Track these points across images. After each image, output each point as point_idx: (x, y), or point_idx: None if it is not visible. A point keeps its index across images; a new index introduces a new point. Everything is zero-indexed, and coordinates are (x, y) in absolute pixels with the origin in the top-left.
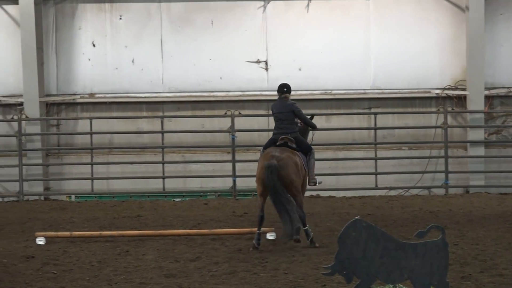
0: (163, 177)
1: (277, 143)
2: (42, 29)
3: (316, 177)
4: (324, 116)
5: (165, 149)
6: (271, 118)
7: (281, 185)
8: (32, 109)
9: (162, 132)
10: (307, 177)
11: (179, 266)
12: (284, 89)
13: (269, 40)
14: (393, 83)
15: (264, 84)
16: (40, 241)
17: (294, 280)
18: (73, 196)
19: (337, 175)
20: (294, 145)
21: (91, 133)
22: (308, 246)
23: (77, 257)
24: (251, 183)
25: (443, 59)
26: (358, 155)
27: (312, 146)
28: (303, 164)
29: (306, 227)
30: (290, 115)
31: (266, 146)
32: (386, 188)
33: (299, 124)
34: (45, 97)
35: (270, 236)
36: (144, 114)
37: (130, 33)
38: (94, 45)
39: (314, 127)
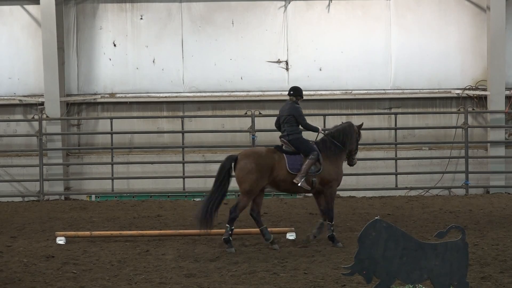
0: (184, 177)
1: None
2: (63, 29)
3: (301, 179)
4: (344, 116)
5: (185, 149)
6: None
7: (227, 183)
8: (53, 108)
9: (183, 132)
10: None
11: (199, 266)
12: (290, 92)
13: (289, 40)
14: (414, 83)
15: (284, 84)
16: (60, 240)
17: (314, 280)
18: (93, 196)
19: (357, 175)
20: (289, 148)
21: (111, 133)
22: (328, 246)
23: (97, 256)
24: None
25: (463, 59)
26: (378, 155)
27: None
28: (284, 166)
29: (228, 227)
30: (290, 118)
31: None
32: (406, 188)
33: (342, 122)
34: (65, 97)
35: (290, 236)
36: (165, 114)
37: (151, 33)
38: (115, 45)
39: (314, 130)
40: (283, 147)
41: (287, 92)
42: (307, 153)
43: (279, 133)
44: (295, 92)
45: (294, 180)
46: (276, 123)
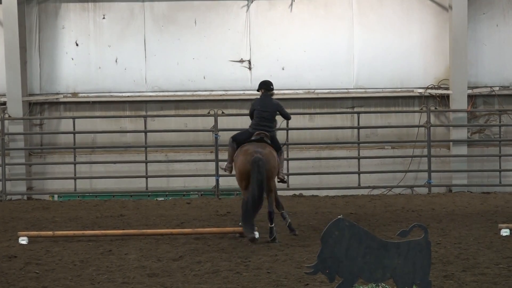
0: (146, 177)
1: (253, 138)
2: (25, 28)
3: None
4: (307, 116)
5: (148, 149)
6: None
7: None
8: (15, 108)
9: (145, 132)
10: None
11: (162, 266)
12: (270, 86)
13: (252, 40)
14: (376, 82)
15: (247, 83)
16: (23, 240)
17: (277, 279)
18: (56, 196)
19: (320, 174)
20: (269, 141)
21: (74, 133)
22: (291, 245)
23: (60, 256)
24: (234, 182)
25: (426, 59)
26: (341, 154)
27: (294, 145)
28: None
29: (273, 225)
30: (274, 114)
31: (238, 139)
32: (369, 187)
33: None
34: (28, 96)
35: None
36: (127, 113)
37: (113, 33)
38: (77, 45)
39: (289, 118)
40: (264, 138)
41: (249, 92)
42: (279, 149)
43: None
44: (271, 85)
45: (281, 176)
46: (251, 115)
